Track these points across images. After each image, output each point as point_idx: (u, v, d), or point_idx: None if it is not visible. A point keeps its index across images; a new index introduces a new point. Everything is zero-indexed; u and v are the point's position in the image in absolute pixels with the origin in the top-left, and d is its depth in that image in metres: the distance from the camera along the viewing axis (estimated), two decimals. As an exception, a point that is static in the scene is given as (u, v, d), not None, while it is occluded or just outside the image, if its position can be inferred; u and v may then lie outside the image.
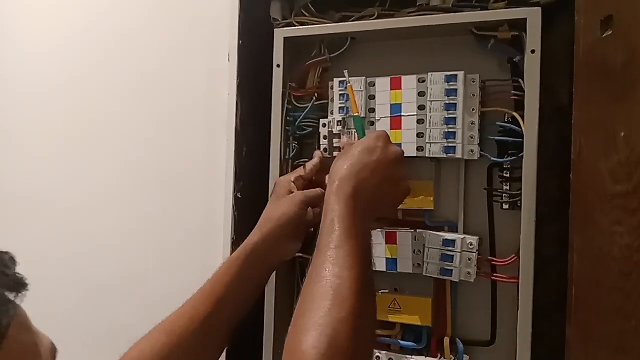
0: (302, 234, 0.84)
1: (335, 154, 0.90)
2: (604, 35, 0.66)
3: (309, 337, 0.57)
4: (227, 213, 0.98)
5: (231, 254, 0.97)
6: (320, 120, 0.93)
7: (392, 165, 0.75)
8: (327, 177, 0.77)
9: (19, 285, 0.55)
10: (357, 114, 0.86)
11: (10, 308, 0.53)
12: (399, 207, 0.83)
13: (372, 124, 0.88)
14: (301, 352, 0.56)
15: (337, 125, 0.90)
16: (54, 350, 0.58)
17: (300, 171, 0.88)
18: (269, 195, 0.91)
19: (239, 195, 0.99)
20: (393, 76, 0.87)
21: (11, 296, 0.54)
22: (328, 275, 0.62)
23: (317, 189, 0.85)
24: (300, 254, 0.92)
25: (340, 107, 0.90)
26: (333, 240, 0.65)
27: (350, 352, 0.57)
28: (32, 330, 0.57)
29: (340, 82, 0.90)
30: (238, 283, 0.80)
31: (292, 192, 0.84)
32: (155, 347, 0.74)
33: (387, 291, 0.90)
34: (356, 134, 0.87)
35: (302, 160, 0.95)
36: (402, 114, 0.86)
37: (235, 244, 0.98)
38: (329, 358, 0.55)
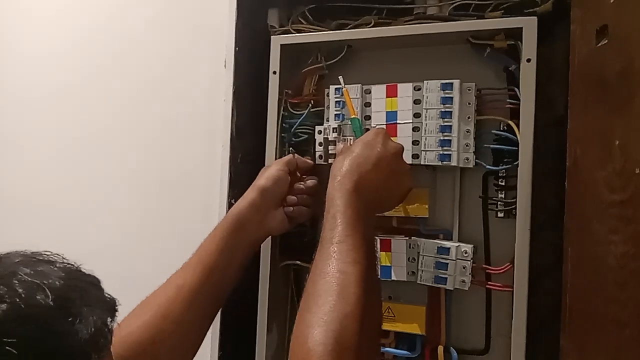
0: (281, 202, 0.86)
1: (330, 160, 0.90)
2: (599, 44, 0.67)
3: (315, 333, 0.56)
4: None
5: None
6: (316, 127, 0.93)
7: (393, 159, 0.75)
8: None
9: (114, 307, 0.52)
10: (354, 116, 0.86)
11: (110, 335, 0.49)
12: (398, 205, 0.83)
13: (368, 129, 0.88)
14: (308, 348, 0.55)
15: (333, 132, 0.90)
16: None
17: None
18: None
19: (233, 201, 0.98)
20: (389, 84, 0.87)
21: (108, 320, 0.49)
22: (332, 270, 0.62)
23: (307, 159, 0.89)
24: (296, 262, 0.92)
25: (336, 114, 0.90)
26: (336, 235, 0.65)
27: (356, 347, 0.57)
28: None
29: (336, 89, 0.90)
30: (225, 250, 0.80)
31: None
32: (141, 323, 0.73)
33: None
34: (352, 140, 0.87)
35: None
36: (398, 121, 0.86)
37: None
38: (336, 354, 0.55)
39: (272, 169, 0.86)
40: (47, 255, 0.51)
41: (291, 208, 0.87)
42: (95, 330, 0.46)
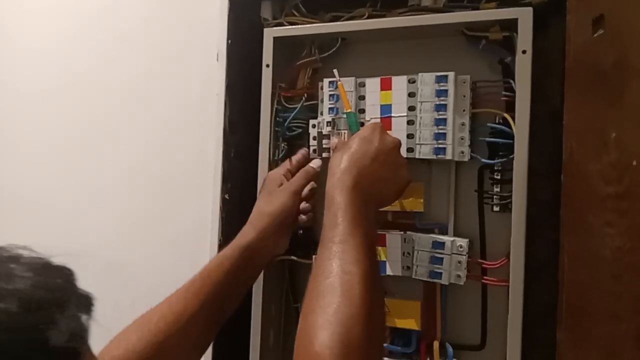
0: (292, 227, 0.85)
1: (324, 154, 0.89)
2: (595, 35, 0.66)
3: (321, 335, 0.55)
4: (215, 215, 0.97)
5: (219, 254, 0.96)
6: (310, 121, 0.92)
7: (391, 153, 0.74)
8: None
9: (90, 303, 0.47)
10: (349, 110, 0.85)
11: (86, 334, 0.46)
12: (397, 199, 0.81)
13: (362, 124, 0.87)
14: (315, 353, 0.54)
15: (327, 126, 0.89)
16: None
17: (287, 164, 0.89)
18: (258, 193, 0.90)
19: (226, 196, 0.97)
20: (383, 77, 0.86)
21: (84, 319, 0.46)
22: (335, 270, 0.61)
23: (304, 172, 0.86)
24: (291, 257, 0.91)
25: (330, 108, 0.89)
26: (337, 234, 0.64)
27: (364, 348, 0.56)
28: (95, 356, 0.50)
29: (330, 82, 0.89)
30: (230, 281, 0.78)
31: (280, 182, 0.86)
32: (138, 346, 0.70)
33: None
34: (346, 134, 0.87)
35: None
36: (392, 114, 0.85)
37: (222, 246, 0.96)
38: (344, 356, 0.54)
39: (285, 198, 0.84)
40: (12, 249, 0.46)
41: (304, 217, 0.86)
42: (70, 333, 0.42)
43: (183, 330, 0.73)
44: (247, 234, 0.82)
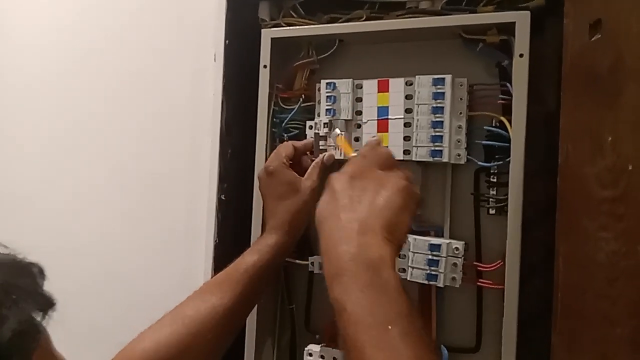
0: None
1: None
2: (593, 39, 0.66)
3: None
4: (211, 215, 0.97)
5: (214, 257, 0.96)
6: (307, 122, 0.92)
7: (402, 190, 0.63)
8: None
9: (48, 304, 0.49)
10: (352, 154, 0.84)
11: (37, 332, 0.47)
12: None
13: (359, 126, 0.87)
14: None
15: (324, 127, 0.89)
16: None
17: (283, 153, 0.86)
18: (253, 197, 0.90)
19: (222, 197, 0.97)
20: (380, 79, 0.86)
21: (38, 317, 0.47)
22: None
23: (317, 168, 0.86)
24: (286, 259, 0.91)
25: (327, 109, 0.89)
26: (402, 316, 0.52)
27: None
28: (55, 354, 0.52)
29: (327, 84, 0.89)
30: (262, 278, 0.79)
31: (293, 180, 0.84)
32: (171, 338, 0.70)
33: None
34: (344, 135, 0.87)
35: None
36: (389, 116, 0.85)
37: (217, 247, 0.96)
38: None
39: (307, 197, 0.83)
40: None
41: None
42: (19, 330, 0.43)
43: (218, 324, 0.73)
44: (280, 237, 0.82)
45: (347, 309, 0.51)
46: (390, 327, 0.49)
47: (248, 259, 0.79)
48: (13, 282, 0.46)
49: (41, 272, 0.50)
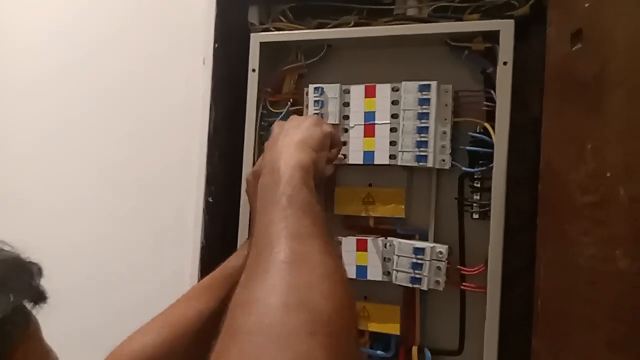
0: None
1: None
2: (574, 48, 0.67)
3: None
4: (198, 217, 0.97)
5: (201, 259, 0.96)
6: (295, 126, 0.92)
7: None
8: None
9: (39, 297, 0.54)
10: None
11: (26, 319, 0.53)
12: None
13: (346, 130, 0.88)
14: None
15: (311, 131, 0.89)
16: None
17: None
18: (240, 200, 0.90)
19: (210, 199, 0.98)
20: (367, 84, 0.87)
21: (29, 307, 0.53)
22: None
23: None
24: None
25: (315, 113, 0.90)
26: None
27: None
28: (44, 346, 0.56)
29: (315, 88, 0.90)
30: None
31: None
32: (157, 340, 0.71)
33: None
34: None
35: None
36: (376, 121, 0.86)
37: (204, 249, 0.97)
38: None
39: None
40: None
41: None
42: (8, 313, 0.48)
43: (202, 327, 0.73)
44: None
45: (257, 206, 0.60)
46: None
47: (234, 263, 0.79)
48: (10, 275, 0.52)
49: (39, 270, 0.56)
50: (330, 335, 0.43)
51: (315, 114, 0.89)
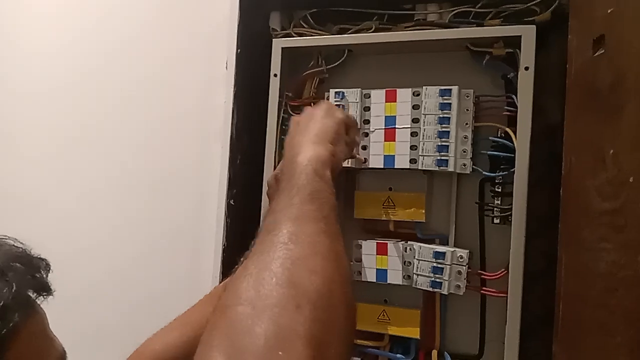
0: None
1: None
2: (596, 54, 0.67)
3: None
4: (220, 220, 0.99)
5: (222, 261, 0.98)
6: (316, 130, 0.93)
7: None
8: None
9: (43, 288, 0.57)
10: None
11: (28, 307, 0.54)
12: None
13: (367, 135, 0.89)
14: None
15: (332, 135, 0.90)
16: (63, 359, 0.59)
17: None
18: (261, 203, 0.91)
19: (231, 202, 0.99)
20: (388, 89, 0.88)
21: (32, 297, 0.55)
22: None
23: None
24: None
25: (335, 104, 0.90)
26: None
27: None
28: (47, 334, 0.57)
29: (336, 92, 0.91)
30: None
31: None
32: (179, 340, 0.73)
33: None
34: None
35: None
36: (396, 126, 0.87)
37: (226, 251, 0.98)
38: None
39: None
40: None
41: None
42: (10, 301, 0.51)
43: None
44: None
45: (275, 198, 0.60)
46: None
47: None
48: (14, 266, 0.55)
49: (47, 266, 0.58)
50: (316, 309, 0.44)
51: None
